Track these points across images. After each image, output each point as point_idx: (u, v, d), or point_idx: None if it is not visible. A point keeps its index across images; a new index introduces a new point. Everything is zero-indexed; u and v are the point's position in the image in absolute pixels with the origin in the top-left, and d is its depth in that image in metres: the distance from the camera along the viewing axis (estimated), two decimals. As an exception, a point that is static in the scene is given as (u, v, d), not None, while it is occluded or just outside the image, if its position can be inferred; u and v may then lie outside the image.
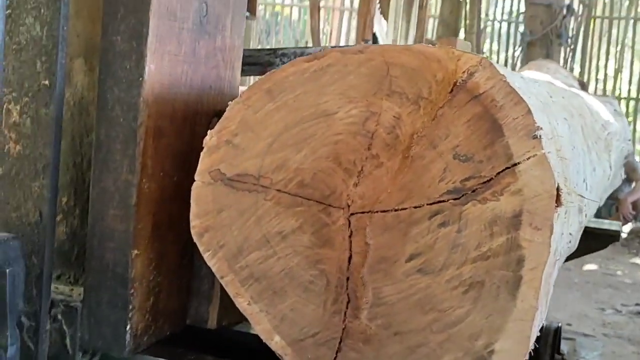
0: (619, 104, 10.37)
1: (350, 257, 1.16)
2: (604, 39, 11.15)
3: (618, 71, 11.20)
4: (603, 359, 4.07)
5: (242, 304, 1.23)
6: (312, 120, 1.16)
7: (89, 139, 1.46)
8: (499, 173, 1.07)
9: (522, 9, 9.59)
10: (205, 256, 1.24)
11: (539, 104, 1.27)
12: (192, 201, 1.23)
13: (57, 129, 1.35)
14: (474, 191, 1.08)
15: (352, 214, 1.15)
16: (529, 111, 1.05)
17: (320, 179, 1.16)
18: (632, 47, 11.38)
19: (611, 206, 7.36)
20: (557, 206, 1.06)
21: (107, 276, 1.36)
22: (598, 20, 11.28)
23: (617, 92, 10.72)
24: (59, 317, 1.40)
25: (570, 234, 1.49)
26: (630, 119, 10.97)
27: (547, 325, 1.81)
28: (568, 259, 3.47)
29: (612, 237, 3.28)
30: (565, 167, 1.31)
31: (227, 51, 1.56)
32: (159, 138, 1.37)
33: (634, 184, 7.83)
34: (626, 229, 8.29)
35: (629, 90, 11.18)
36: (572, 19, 8.12)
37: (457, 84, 1.08)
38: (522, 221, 1.06)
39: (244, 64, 1.66)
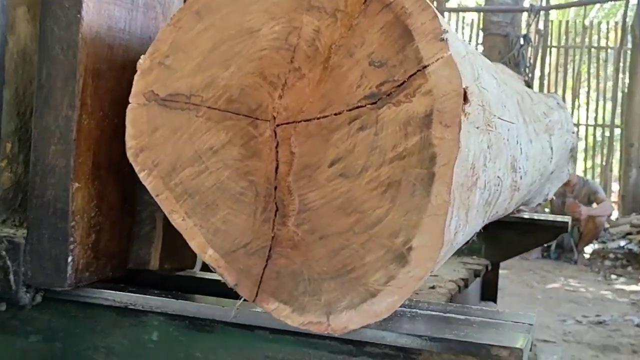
0: (578, 129, 10.69)
1: (277, 167, 1.22)
2: (561, 67, 11.53)
3: (575, 97, 11.55)
4: (562, 362, 4.13)
5: (176, 220, 1.28)
6: (238, 38, 1.23)
7: (32, 88, 1.51)
8: (410, 76, 1.14)
9: (481, 39, 9.85)
10: (141, 176, 1.29)
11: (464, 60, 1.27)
12: (127, 123, 1.29)
13: (-1, 79, 1.41)
14: (388, 95, 1.16)
15: (277, 125, 1.21)
16: (436, 16, 1.14)
17: (247, 93, 1.23)
18: (588, 73, 11.76)
19: (573, 227, 7.53)
20: (464, 104, 1.13)
21: (49, 212, 1.40)
22: (554, 49, 11.69)
23: (575, 119, 11.06)
24: (3, 253, 1.44)
25: (498, 176, 1.56)
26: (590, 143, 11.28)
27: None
28: (523, 250, 3.56)
29: (559, 228, 3.39)
30: (484, 97, 1.38)
31: (166, 4, 1.63)
32: (98, 79, 1.43)
33: (594, 205, 8.05)
34: (588, 249, 8.44)
35: (587, 117, 11.51)
36: (529, 48, 8.35)
37: (370, -6, 1.16)
38: (433, 120, 1.14)
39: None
